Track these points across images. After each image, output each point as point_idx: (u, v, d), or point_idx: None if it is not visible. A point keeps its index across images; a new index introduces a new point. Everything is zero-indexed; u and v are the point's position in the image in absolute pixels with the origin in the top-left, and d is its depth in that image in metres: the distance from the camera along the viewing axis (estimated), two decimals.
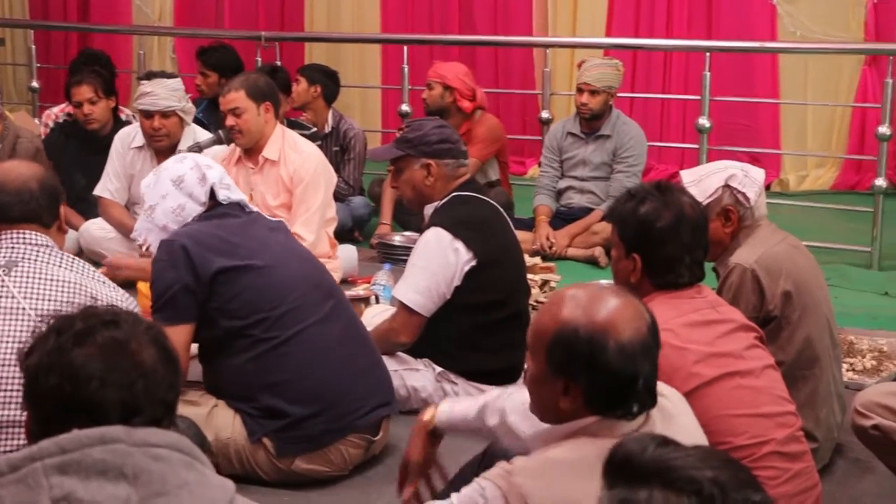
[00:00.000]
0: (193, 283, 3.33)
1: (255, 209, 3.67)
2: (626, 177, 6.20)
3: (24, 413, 1.68)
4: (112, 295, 2.95)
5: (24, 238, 2.92)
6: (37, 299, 2.83)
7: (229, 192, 3.56)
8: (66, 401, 1.62)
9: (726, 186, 3.36)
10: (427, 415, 2.77)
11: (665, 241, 2.82)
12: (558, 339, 2.07)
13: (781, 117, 8.35)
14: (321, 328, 3.43)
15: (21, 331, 2.77)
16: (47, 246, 2.93)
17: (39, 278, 2.86)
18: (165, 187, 3.52)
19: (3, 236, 2.92)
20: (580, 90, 6.28)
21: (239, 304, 3.35)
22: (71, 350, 1.64)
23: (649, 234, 2.83)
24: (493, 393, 2.69)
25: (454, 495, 2.14)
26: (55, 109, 6.89)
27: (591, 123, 6.32)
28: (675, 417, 2.17)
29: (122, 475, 1.51)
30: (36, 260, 2.89)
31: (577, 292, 2.13)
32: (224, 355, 3.39)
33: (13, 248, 2.90)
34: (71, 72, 6.92)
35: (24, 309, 2.80)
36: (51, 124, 6.71)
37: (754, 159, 8.03)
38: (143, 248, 3.67)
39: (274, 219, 3.77)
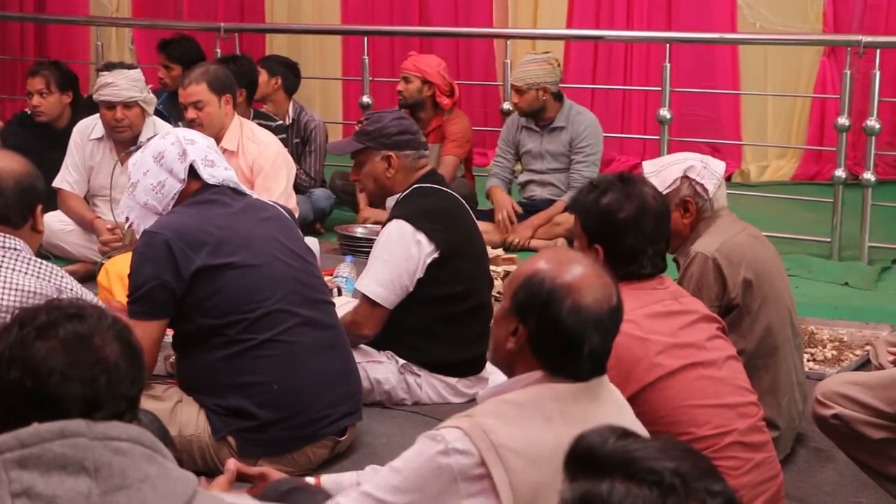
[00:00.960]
0: (172, 280, 3.26)
1: (248, 192, 3.56)
2: (585, 166, 6.23)
3: None
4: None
5: None
6: (3, 313, 2.73)
7: (214, 170, 3.44)
8: (27, 395, 1.60)
9: (685, 178, 3.37)
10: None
11: (627, 232, 2.82)
12: (525, 283, 2.20)
13: (742, 108, 8.41)
14: (299, 332, 3.35)
15: None
16: (15, 249, 2.82)
17: (5, 288, 2.77)
18: (147, 164, 3.43)
19: None
20: (514, 89, 6.32)
21: (216, 303, 3.29)
22: (33, 343, 1.62)
23: (612, 225, 2.83)
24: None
25: (396, 461, 2.16)
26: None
27: (541, 116, 6.33)
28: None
29: (82, 469, 1.50)
30: (5, 267, 2.80)
31: (565, 254, 2.32)
32: (197, 349, 3.34)
33: None
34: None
35: None
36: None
37: (715, 150, 8.09)
38: (127, 226, 3.59)
39: (270, 204, 3.65)
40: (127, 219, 3.49)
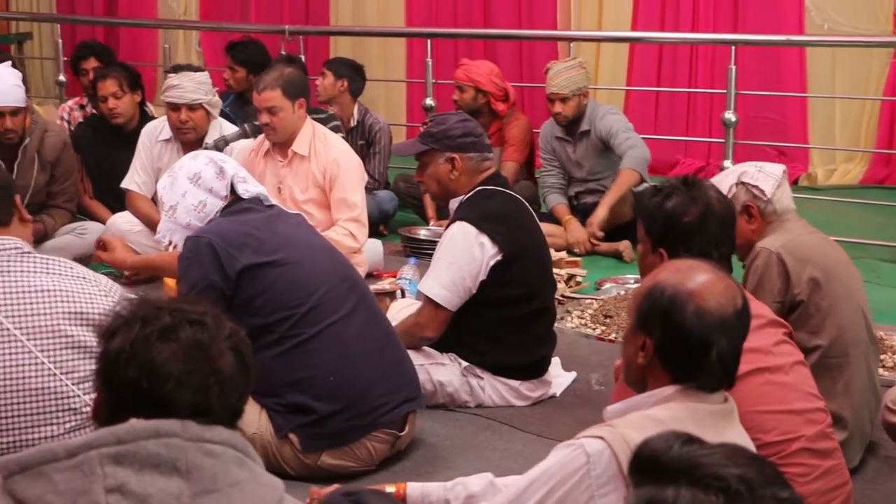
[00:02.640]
0: (220, 281, 3.32)
1: (275, 202, 3.65)
2: (626, 141, 6.08)
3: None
4: (92, 291, 2.71)
5: None
6: (19, 315, 2.61)
7: (247, 185, 3.54)
8: (140, 394, 1.63)
9: (740, 183, 3.36)
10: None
11: (692, 236, 2.81)
12: (647, 295, 2.20)
13: (809, 111, 8.29)
14: (346, 324, 3.41)
15: (8, 353, 2.58)
16: (17, 249, 2.68)
17: (17, 291, 2.62)
18: (183, 185, 3.51)
19: None
20: (551, 100, 6.24)
21: (263, 301, 3.34)
22: (154, 345, 1.65)
23: (676, 229, 2.82)
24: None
25: (533, 472, 2.16)
26: (69, 102, 6.95)
27: (570, 126, 6.29)
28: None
29: (175, 470, 1.51)
30: (8, 272, 2.64)
31: (685, 263, 2.29)
32: None
33: None
34: (73, 64, 6.98)
35: (7, 329, 2.59)
36: (65, 116, 6.75)
37: (781, 153, 8.00)
38: (170, 249, 3.63)
39: (294, 212, 3.76)
40: (170, 242, 3.55)
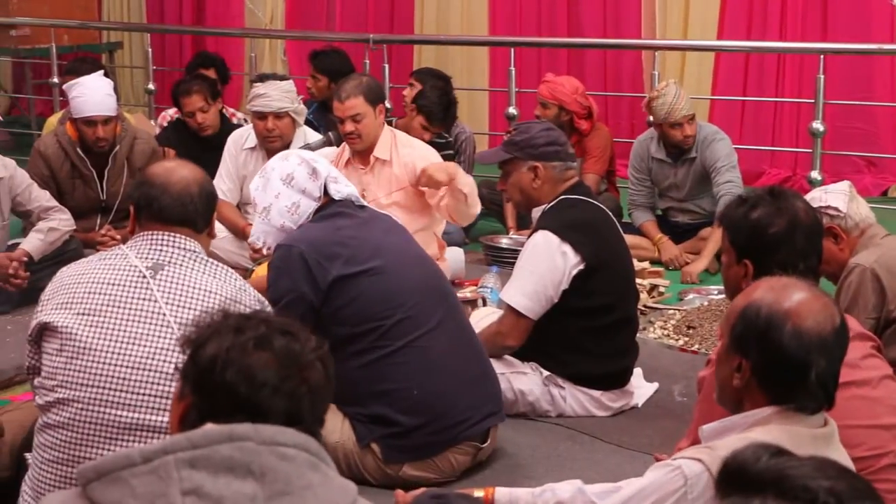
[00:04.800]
0: (310, 292, 3.32)
1: (366, 204, 3.63)
2: (729, 183, 5.99)
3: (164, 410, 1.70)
4: (250, 303, 2.88)
5: (173, 241, 2.86)
6: (178, 306, 2.78)
7: (339, 186, 3.52)
8: (237, 399, 1.67)
9: None
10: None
11: (778, 248, 2.77)
12: (742, 315, 2.14)
13: None
14: (433, 337, 3.39)
15: (158, 336, 2.74)
16: (194, 251, 2.87)
17: (183, 285, 2.81)
18: (276, 187, 3.50)
19: (154, 237, 2.87)
20: (677, 125, 5.99)
21: (351, 312, 3.33)
22: (252, 352, 1.69)
23: (762, 240, 2.79)
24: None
25: (635, 480, 2.15)
26: (171, 111, 7.06)
27: (676, 149, 6.15)
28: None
29: (249, 473, 1.54)
30: (182, 265, 2.84)
31: (779, 281, 2.21)
32: (335, 360, 3.35)
33: (161, 250, 2.85)
34: (187, 73, 7.12)
35: (164, 315, 2.76)
36: (165, 125, 6.87)
37: (871, 164, 7.87)
38: (264, 251, 3.66)
39: (385, 215, 3.72)
40: (264, 243, 3.56)
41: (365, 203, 3.62)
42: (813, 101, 6.54)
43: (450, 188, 4.92)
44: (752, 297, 2.16)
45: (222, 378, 1.69)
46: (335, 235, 3.41)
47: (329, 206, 3.49)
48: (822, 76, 6.44)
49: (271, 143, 5.60)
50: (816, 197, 3.38)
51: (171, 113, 7.02)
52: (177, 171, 2.96)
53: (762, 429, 2.08)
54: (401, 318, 3.35)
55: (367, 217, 3.54)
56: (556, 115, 6.47)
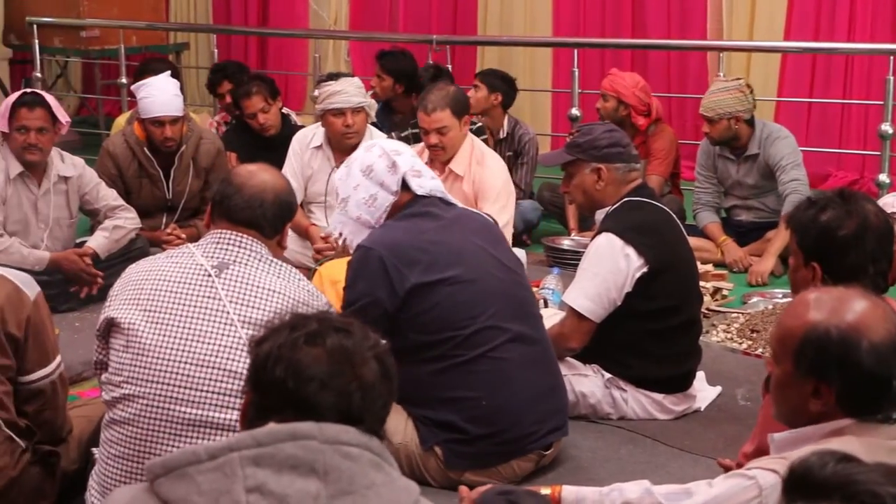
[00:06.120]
0: (386, 298, 3.29)
1: (454, 201, 3.57)
2: (795, 181, 5.94)
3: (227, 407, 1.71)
4: (316, 304, 2.89)
5: (239, 241, 2.89)
6: (242, 305, 2.80)
7: (422, 181, 3.46)
8: (286, 394, 1.69)
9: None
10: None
11: (848, 251, 2.73)
12: (808, 340, 2.06)
13: None
14: (508, 348, 3.35)
15: (221, 334, 2.77)
16: (260, 252, 2.90)
17: (248, 284, 2.83)
18: (356, 178, 3.46)
19: (222, 236, 2.90)
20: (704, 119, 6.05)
21: (429, 319, 3.30)
22: (301, 348, 1.71)
23: (831, 243, 2.75)
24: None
25: (705, 486, 2.14)
26: (216, 117, 7.17)
27: (734, 145, 6.10)
28: None
29: (312, 471, 1.55)
30: (247, 265, 2.86)
31: (822, 295, 2.14)
32: (407, 363, 3.23)
33: (227, 249, 2.88)
34: (210, 90, 7.22)
35: (227, 313, 2.79)
36: (214, 131, 6.93)
37: None
38: (340, 241, 3.65)
39: (475, 213, 3.68)
40: (340, 234, 3.54)
41: (453, 200, 3.57)
42: (882, 102, 6.44)
43: None
44: (808, 319, 2.08)
45: (273, 373, 1.70)
46: (417, 239, 3.36)
47: (414, 204, 3.44)
48: (892, 77, 6.34)
49: (349, 139, 5.55)
50: (888, 203, 3.33)
51: (216, 119, 7.11)
52: (258, 174, 2.99)
53: (838, 440, 2.03)
54: (478, 329, 3.32)
55: (452, 217, 3.47)
56: (614, 109, 6.44)
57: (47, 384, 3.04)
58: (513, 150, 6.65)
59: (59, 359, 3.09)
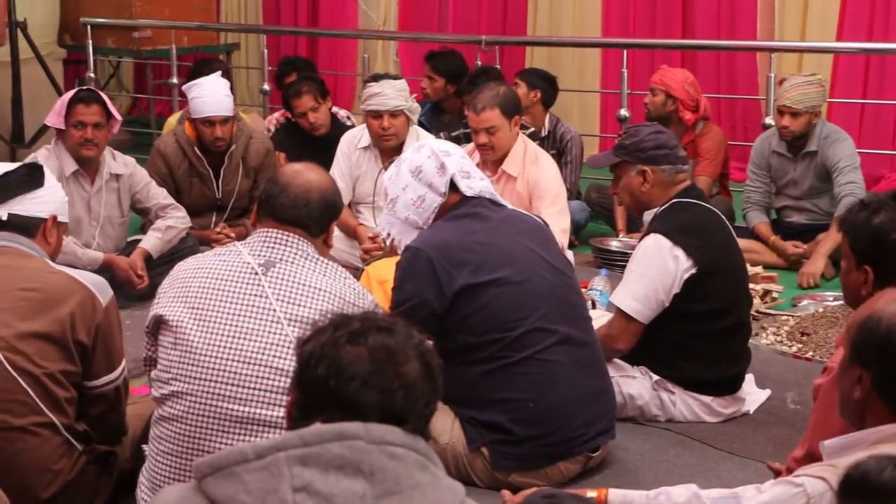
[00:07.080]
0: (434, 299, 3.29)
1: (504, 202, 3.57)
2: (852, 183, 5.88)
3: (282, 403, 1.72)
4: (362, 303, 2.91)
5: (286, 240, 2.91)
6: (288, 303, 2.82)
7: (471, 182, 3.45)
8: (328, 393, 1.70)
9: None
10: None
11: None
12: (862, 327, 2.11)
13: None
14: (557, 350, 3.34)
15: (268, 332, 2.79)
16: (306, 252, 2.91)
17: (294, 282, 2.85)
18: (405, 179, 3.46)
19: (269, 235, 2.92)
20: (781, 112, 5.96)
21: (478, 321, 3.30)
22: (343, 346, 1.72)
23: (884, 246, 2.72)
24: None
25: (753, 492, 2.14)
26: (276, 115, 7.18)
27: (795, 143, 6.06)
28: None
29: (359, 471, 1.56)
30: (293, 263, 2.88)
31: None
32: (454, 363, 3.25)
33: (274, 248, 2.90)
34: (278, 81, 7.24)
35: (274, 311, 2.81)
36: (272, 129, 6.97)
37: None
38: (388, 242, 3.66)
39: (525, 214, 3.67)
40: (388, 234, 3.54)
41: (503, 201, 3.56)
42: None
43: None
44: (872, 308, 2.12)
45: (315, 372, 1.71)
46: (465, 240, 3.36)
47: (463, 205, 3.44)
48: None
49: (386, 141, 5.61)
50: None
51: (276, 116, 7.14)
52: (304, 174, 3.00)
53: (888, 446, 2.01)
54: (526, 331, 3.31)
55: (502, 218, 3.46)
56: (662, 103, 6.41)
57: (111, 389, 3.08)
58: (556, 149, 6.62)
59: (123, 363, 3.13)
